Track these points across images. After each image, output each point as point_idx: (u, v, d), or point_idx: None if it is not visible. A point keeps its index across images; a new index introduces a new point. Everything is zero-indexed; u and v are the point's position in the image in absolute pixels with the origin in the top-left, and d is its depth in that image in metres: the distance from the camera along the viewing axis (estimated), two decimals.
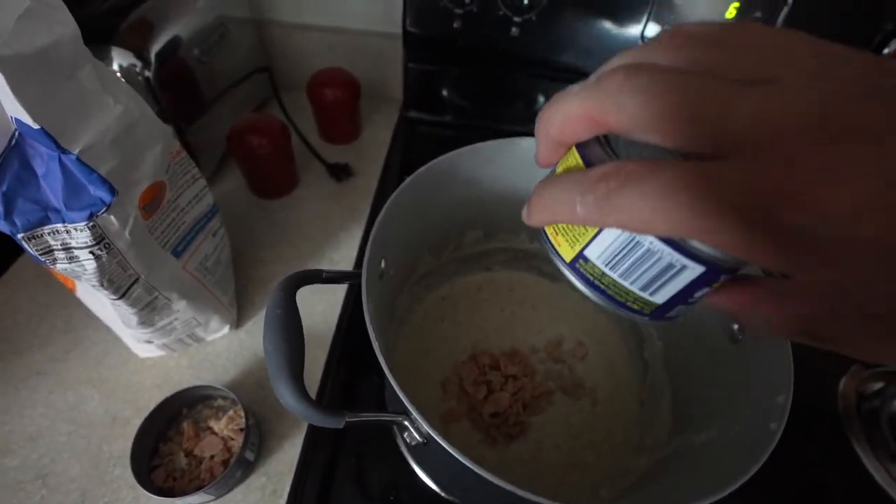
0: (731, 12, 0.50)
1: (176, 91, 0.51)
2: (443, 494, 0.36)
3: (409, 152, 0.65)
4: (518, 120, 0.67)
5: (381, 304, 0.33)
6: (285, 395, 0.22)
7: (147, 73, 0.47)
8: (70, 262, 0.32)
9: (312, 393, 0.42)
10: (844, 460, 0.41)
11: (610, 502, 0.34)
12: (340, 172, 0.58)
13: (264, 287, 0.49)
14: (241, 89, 0.64)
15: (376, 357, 0.23)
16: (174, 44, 0.50)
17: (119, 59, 0.45)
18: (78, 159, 0.28)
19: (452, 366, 0.41)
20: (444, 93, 0.66)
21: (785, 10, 0.51)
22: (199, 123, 0.56)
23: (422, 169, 0.32)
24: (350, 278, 0.29)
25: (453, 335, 0.43)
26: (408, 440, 0.24)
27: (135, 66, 0.46)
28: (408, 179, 0.31)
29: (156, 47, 0.48)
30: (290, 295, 0.25)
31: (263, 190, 0.56)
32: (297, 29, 0.67)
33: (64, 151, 0.28)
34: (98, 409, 0.40)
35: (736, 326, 0.31)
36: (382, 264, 0.31)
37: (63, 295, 0.40)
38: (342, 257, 0.52)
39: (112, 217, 0.31)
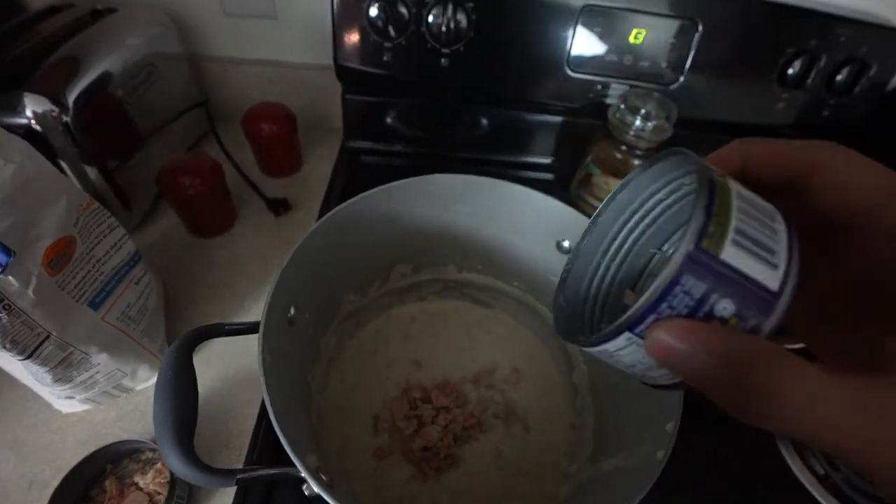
0: (639, 39, 0.52)
1: (101, 133, 0.50)
2: None
3: (353, 183, 0.65)
4: (464, 146, 0.68)
5: (298, 349, 0.33)
6: (172, 461, 0.22)
7: (65, 118, 0.46)
8: None
9: (245, 437, 0.41)
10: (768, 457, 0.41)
11: None
12: (279, 207, 0.58)
13: None
14: (177, 125, 0.63)
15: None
16: (97, 85, 0.49)
17: (33, 106, 0.44)
18: None
19: (384, 401, 0.41)
20: (388, 121, 0.67)
21: (696, 35, 0.53)
22: (132, 162, 0.55)
23: (329, 214, 0.32)
24: (255, 329, 0.29)
25: (386, 369, 0.43)
26: (306, 493, 0.24)
27: (52, 111, 0.45)
28: (314, 226, 0.31)
29: (75, 91, 0.47)
30: (186, 354, 0.25)
31: (199, 229, 0.56)
32: (232, 63, 0.67)
33: None
34: (13, 475, 0.38)
35: None
36: (292, 311, 0.31)
37: None
38: None
39: (10, 277, 0.31)
